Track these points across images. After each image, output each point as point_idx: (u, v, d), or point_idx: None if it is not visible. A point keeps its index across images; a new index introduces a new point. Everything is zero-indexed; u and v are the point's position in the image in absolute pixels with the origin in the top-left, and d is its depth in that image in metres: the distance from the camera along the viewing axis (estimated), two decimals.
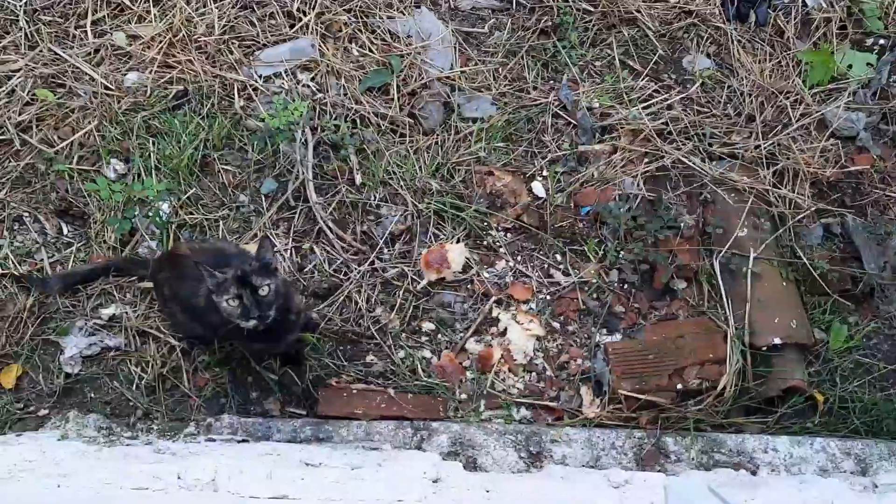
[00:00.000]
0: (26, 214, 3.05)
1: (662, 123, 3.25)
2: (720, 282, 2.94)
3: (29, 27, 3.32)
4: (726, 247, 2.97)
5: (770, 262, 2.96)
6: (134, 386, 2.80)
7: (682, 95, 3.36)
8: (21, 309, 2.85)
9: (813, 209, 3.11)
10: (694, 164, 3.14)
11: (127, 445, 2.45)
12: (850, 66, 3.40)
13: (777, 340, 2.80)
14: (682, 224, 3.03)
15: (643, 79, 3.41)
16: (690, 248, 3.01)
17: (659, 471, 2.57)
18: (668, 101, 3.33)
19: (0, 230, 3.01)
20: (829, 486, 2.17)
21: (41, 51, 3.28)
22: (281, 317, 2.38)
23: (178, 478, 1.96)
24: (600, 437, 2.67)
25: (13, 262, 2.94)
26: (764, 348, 2.81)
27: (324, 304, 2.93)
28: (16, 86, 3.21)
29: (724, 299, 2.91)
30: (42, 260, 2.96)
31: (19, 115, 3.16)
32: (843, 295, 3.01)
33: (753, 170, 3.15)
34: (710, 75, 3.43)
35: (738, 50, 3.48)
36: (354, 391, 2.78)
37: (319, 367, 2.84)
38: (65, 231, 3.04)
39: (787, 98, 3.33)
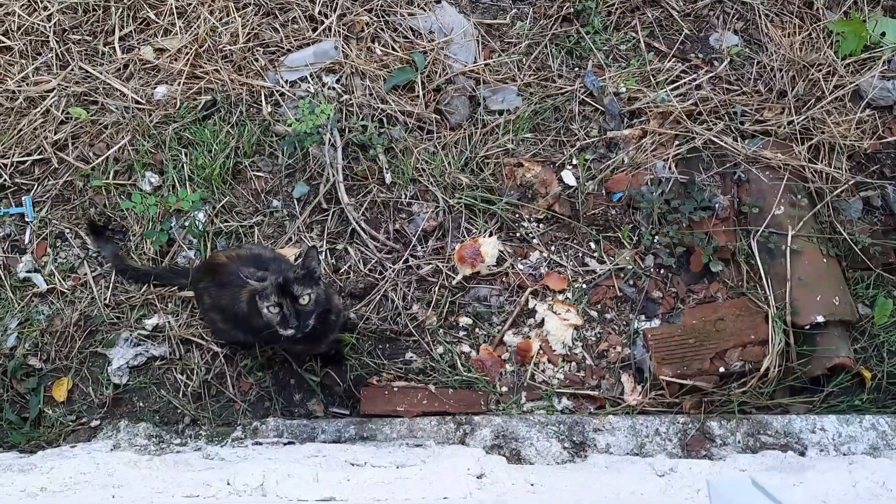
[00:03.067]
0: (67, 231, 3.12)
1: (692, 104, 3.21)
2: (759, 261, 2.91)
3: (59, 47, 3.39)
4: (763, 226, 2.93)
5: (809, 239, 2.92)
6: (180, 393, 2.86)
7: (711, 74, 3.31)
8: (68, 324, 2.92)
9: (851, 182, 3.05)
10: (726, 143, 3.10)
11: (177, 452, 2.50)
12: (883, 34, 3.32)
13: (820, 318, 2.76)
14: (716, 205, 2.99)
15: (670, 60, 3.36)
16: (726, 228, 2.97)
17: (704, 456, 2.56)
18: (697, 81, 3.28)
19: (43, 247, 3.09)
20: (880, 466, 2.13)
21: (72, 69, 3.35)
22: (322, 319, 2.41)
23: (228, 484, 2.00)
24: (644, 423, 2.66)
25: (58, 279, 3.01)
26: (807, 327, 2.77)
27: (360, 303, 2.96)
28: (50, 105, 3.27)
29: (764, 279, 2.88)
30: (85, 274, 3.03)
31: (55, 133, 3.23)
32: (886, 269, 2.96)
33: (788, 146, 3.10)
34: (739, 52, 3.37)
35: (766, 24, 3.41)
36: (395, 389, 2.80)
37: (360, 367, 2.87)
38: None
39: (820, 70, 3.26)
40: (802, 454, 2.55)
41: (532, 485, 2.06)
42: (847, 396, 2.80)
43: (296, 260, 2.93)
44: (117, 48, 3.39)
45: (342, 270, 3.02)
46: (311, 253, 2.37)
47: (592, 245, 3.07)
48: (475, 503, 1.94)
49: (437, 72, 3.31)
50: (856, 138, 3.11)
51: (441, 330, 2.94)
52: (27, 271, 3.05)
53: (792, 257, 2.86)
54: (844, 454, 2.52)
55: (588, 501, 1.99)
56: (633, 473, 2.17)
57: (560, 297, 2.99)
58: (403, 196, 3.12)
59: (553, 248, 3.07)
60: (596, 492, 2.02)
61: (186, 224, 3.05)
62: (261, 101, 3.28)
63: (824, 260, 2.90)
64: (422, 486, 1.99)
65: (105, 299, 2.97)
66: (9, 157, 3.19)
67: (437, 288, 2.98)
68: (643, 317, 2.96)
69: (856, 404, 2.78)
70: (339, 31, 3.39)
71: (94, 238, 3.02)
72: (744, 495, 1.23)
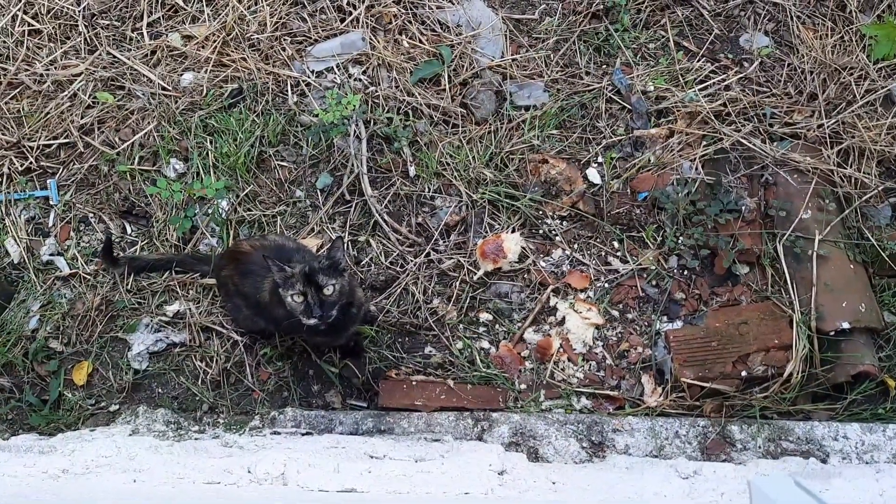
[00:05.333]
0: (91, 215, 3.13)
1: (720, 105, 3.18)
2: (784, 265, 2.87)
3: (88, 32, 3.40)
4: (790, 229, 2.89)
5: (836, 244, 2.88)
6: (199, 381, 2.87)
7: (741, 75, 3.27)
8: (90, 308, 2.93)
9: (880, 188, 3.01)
10: (754, 145, 3.06)
11: (195, 440, 2.50)
12: None
13: (845, 325, 2.72)
14: (743, 207, 2.96)
15: (699, 60, 3.33)
16: (752, 231, 2.94)
17: (725, 460, 2.53)
18: (726, 82, 3.25)
19: (67, 231, 3.10)
20: None
21: (100, 54, 3.36)
22: (344, 311, 2.41)
23: (249, 471, 2.00)
24: (663, 425, 2.64)
25: (81, 263, 3.02)
26: (832, 333, 2.74)
27: (381, 296, 2.95)
28: (77, 89, 3.29)
29: (789, 283, 2.84)
30: None
31: (81, 118, 3.24)
32: None
33: (817, 149, 3.06)
34: (769, 53, 3.33)
35: (797, 26, 3.37)
36: (414, 383, 2.79)
37: (378, 360, 2.87)
38: (128, 230, 3.11)
39: (851, 74, 3.21)
40: (824, 461, 2.52)
41: (554, 483, 2.04)
42: (870, 405, 2.76)
43: (318, 251, 2.93)
44: (145, 34, 3.40)
45: (363, 263, 3.01)
46: (337, 244, 2.37)
47: (616, 244, 3.05)
48: (497, 499, 1.93)
49: (463, 66, 3.30)
50: (886, 143, 3.06)
51: (461, 325, 2.93)
52: (50, 254, 3.06)
53: (818, 262, 2.83)
54: (867, 462, 2.49)
55: (611, 501, 1.97)
56: (656, 475, 2.15)
57: (582, 295, 2.97)
58: (427, 190, 3.10)
59: (576, 246, 3.05)
60: (619, 491, 2.01)
61: (210, 212, 3.05)
62: (287, 91, 3.27)
63: (851, 266, 2.86)
64: (443, 481, 1.98)
65: (127, 285, 2.98)
66: (35, 140, 3.20)
67: (458, 283, 2.97)
68: (665, 318, 2.93)
69: (879, 413, 2.74)
70: (366, 23, 3.38)
71: (106, 259, 2.96)
72: (788, 496, 1.21)
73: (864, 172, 3.01)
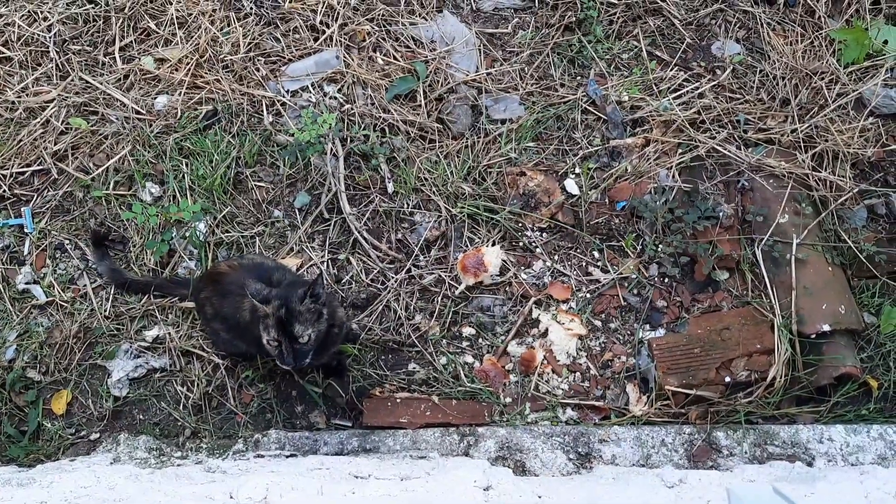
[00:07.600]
0: (67, 242, 3.09)
1: (695, 113, 3.20)
2: (763, 270, 2.89)
3: (59, 58, 3.37)
4: (768, 234, 2.91)
5: (814, 248, 2.90)
6: (181, 405, 2.83)
7: (714, 83, 3.30)
8: (68, 336, 2.89)
9: (855, 190, 3.03)
10: (729, 152, 3.08)
11: (178, 466, 2.47)
12: (885, 42, 3.31)
13: (826, 327, 2.74)
14: (720, 213, 2.97)
15: (672, 68, 3.36)
16: (731, 237, 2.96)
17: (711, 466, 2.53)
18: (700, 90, 3.28)
19: (43, 259, 3.06)
20: (891, 476, 2.11)
21: (72, 80, 3.33)
22: (325, 333, 2.38)
23: (231, 497, 1.97)
24: (649, 434, 2.63)
25: (57, 290, 2.99)
26: (813, 336, 2.75)
27: (363, 314, 2.93)
28: (50, 116, 3.26)
29: (769, 288, 2.86)
30: (85, 286, 3.00)
31: (55, 144, 3.21)
32: (891, 277, 2.94)
33: (791, 154, 3.09)
34: (741, 60, 3.36)
35: (768, 33, 3.41)
36: (398, 400, 2.77)
37: (362, 378, 2.84)
38: None
39: (822, 79, 3.25)
40: (810, 464, 2.52)
41: (539, 497, 2.03)
42: (854, 406, 2.78)
43: (297, 270, 2.91)
44: (118, 58, 3.38)
45: (344, 281, 3.00)
46: (318, 281, 2.31)
47: (596, 254, 3.05)
48: None
49: (438, 81, 3.30)
50: (859, 146, 3.10)
51: (444, 340, 2.91)
52: (26, 283, 3.02)
53: (797, 266, 2.84)
54: (853, 464, 2.49)
55: None
56: (642, 485, 2.14)
57: (564, 306, 2.97)
58: (406, 205, 3.10)
59: (556, 257, 3.05)
60: (606, 503, 1.99)
61: (187, 234, 3.02)
62: (262, 111, 3.26)
63: (829, 268, 2.88)
64: (428, 499, 1.96)
65: (105, 311, 2.95)
66: (8, 168, 3.17)
67: (439, 298, 2.96)
68: (647, 326, 2.93)
69: (863, 414, 2.76)
70: (340, 41, 3.38)
71: (94, 250, 2.98)
72: (766, 502, 1.21)
73: (838, 175, 3.04)
